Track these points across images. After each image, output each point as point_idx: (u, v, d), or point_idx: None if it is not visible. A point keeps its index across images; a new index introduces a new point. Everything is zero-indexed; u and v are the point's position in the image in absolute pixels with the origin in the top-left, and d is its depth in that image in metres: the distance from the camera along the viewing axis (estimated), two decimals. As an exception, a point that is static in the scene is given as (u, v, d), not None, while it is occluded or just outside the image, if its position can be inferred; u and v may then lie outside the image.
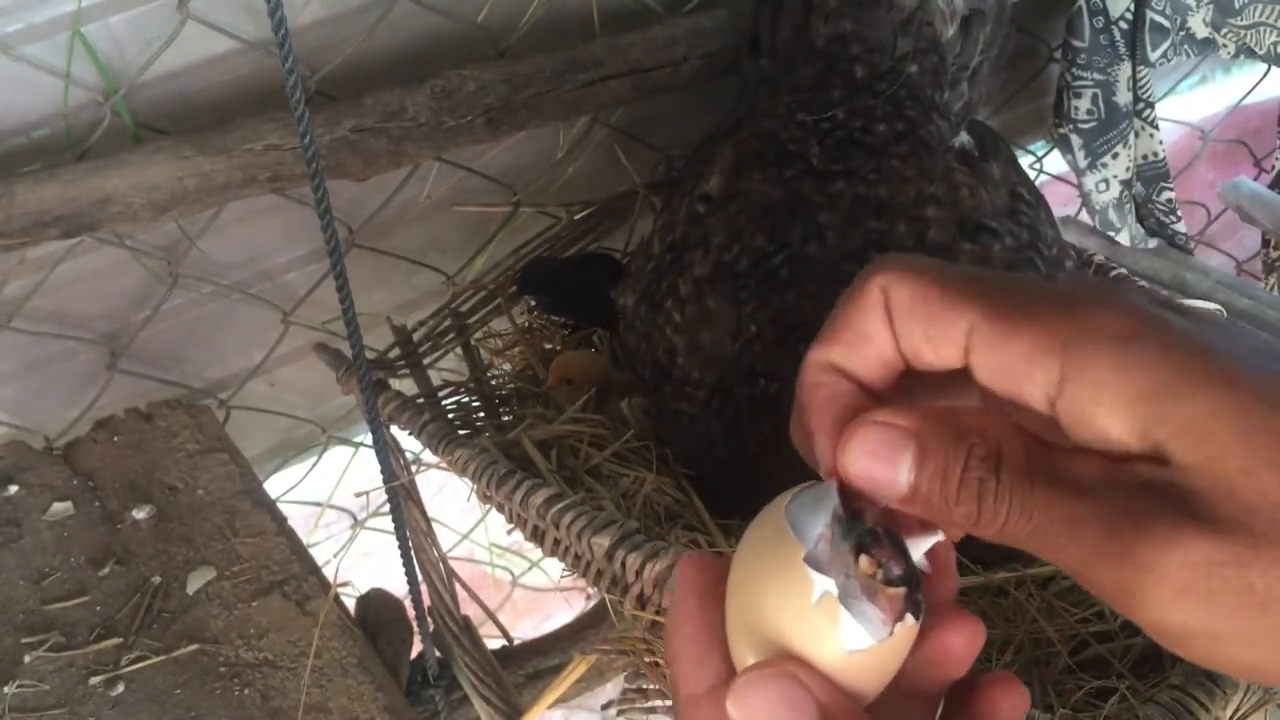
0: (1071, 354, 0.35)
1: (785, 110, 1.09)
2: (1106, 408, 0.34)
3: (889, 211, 0.99)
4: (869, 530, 0.37)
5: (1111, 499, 0.34)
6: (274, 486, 1.31)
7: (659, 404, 1.04)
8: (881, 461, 0.36)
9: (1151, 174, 1.53)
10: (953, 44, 1.16)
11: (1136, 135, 1.49)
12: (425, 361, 1.16)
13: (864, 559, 0.36)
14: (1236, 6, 1.43)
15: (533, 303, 1.25)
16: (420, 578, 1.09)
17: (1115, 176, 1.50)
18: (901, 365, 0.39)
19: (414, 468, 1.06)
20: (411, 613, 1.12)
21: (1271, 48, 1.44)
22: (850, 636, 0.36)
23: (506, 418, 1.13)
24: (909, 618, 0.36)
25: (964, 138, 1.10)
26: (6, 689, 0.94)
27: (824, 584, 0.36)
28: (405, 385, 1.13)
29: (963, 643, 0.40)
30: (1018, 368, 0.36)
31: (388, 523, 1.09)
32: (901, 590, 0.36)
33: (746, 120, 1.13)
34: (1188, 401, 0.33)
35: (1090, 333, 0.35)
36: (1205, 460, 0.33)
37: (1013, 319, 0.36)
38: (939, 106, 1.11)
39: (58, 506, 1.09)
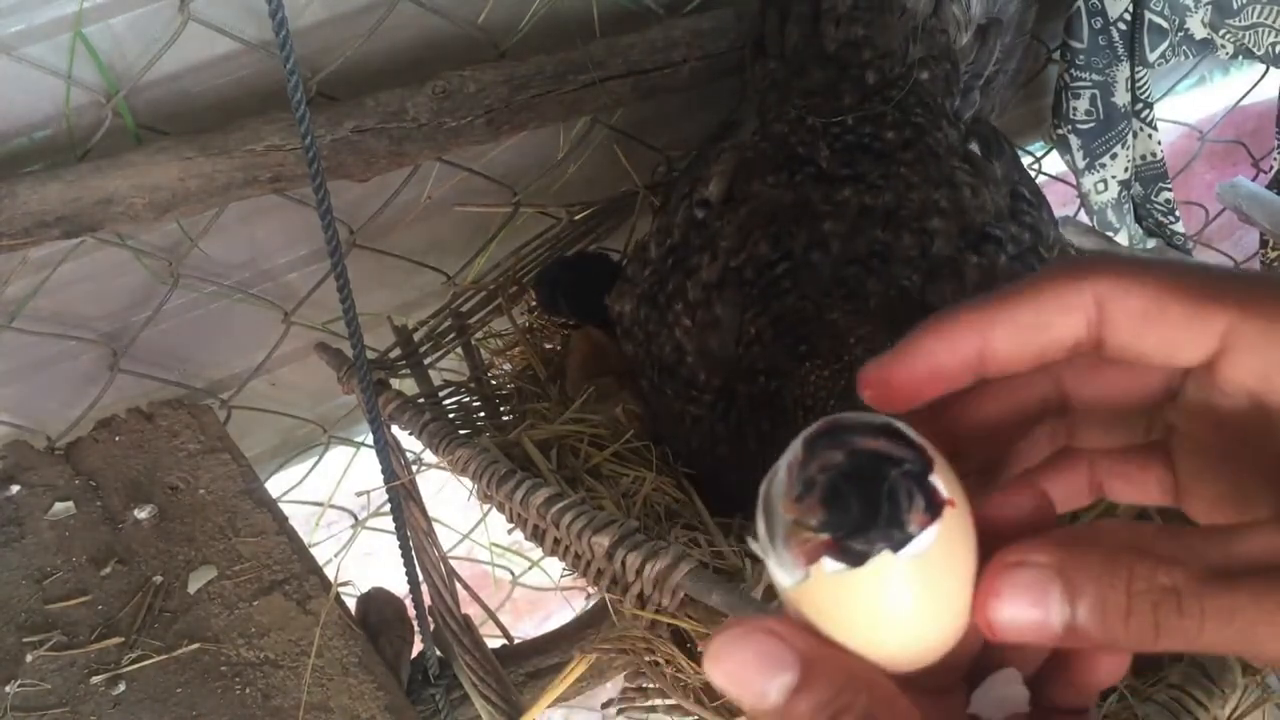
0: None
1: (795, 114, 1.09)
2: None
3: (894, 223, 1.00)
4: (826, 477, 0.35)
5: None
6: (275, 486, 1.32)
7: (662, 403, 1.04)
8: (1027, 607, 0.34)
9: (1150, 174, 1.53)
10: (966, 52, 1.16)
11: (1135, 136, 1.50)
12: (426, 361, 1.16)
13: (783, 505, 0.35)
14: (1235, 7, 1.44)
15: (535, 306, 1.25)
16: (421, 577, 1.09)
17: (1114, 177, 1.50)
18: (1037, 362, 0.38)
19: (415, 467, 1.07)
20: (412, 612, 1.12)
21: (1270, 48, 1.44)
22: (777, 575, 0.36)
23: (507, 418, 1.13)
24: (828, 564, 0.34)
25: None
26: (8, 688, 0.94)
27: (760, 526, 0.36)
28: (406, 385, 1.13)
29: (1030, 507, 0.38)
30: None
31: (388, 522, 1.09)
32: (816, 536, 0.34)
33: (745, 123, 1.13)
34: None
35: None
36: None
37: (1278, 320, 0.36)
38: (948, 114, 1.11)
39: (59, 506, 1.09)
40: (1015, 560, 0.35)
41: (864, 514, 0.34)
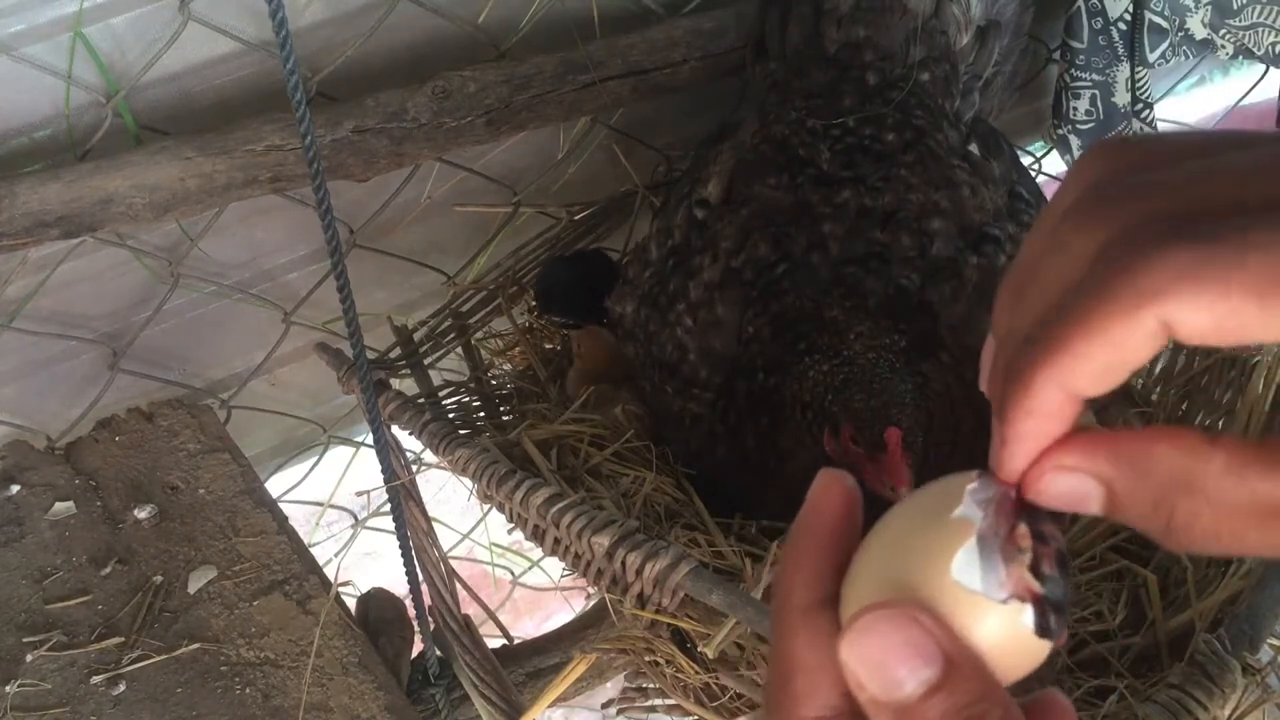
0: None
1: (796, 116, 1.09)
2: None
3: (893, 224, 1.00)
4: (1056, 546, 0.35)
5: None
6: (275, 486, 1.32)
7: (663, 402, 1.04)
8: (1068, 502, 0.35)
9: (1150, 175, 1.53)
10: (966, 53, 1.16)
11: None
12: (426, 361, 1.16)
13: (1024, 528, 0.35)
14: (1235, 7, 1.44)
15: (557, 320, 1.25)
16: (421, 577, 1.09)
17: (1114, 177, 1.50)
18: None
19: (415, 467, 1.07)
20: (412, 612, 1.12)
21: (1270, 48, 1.44)
22: (963, 569, 0.34)
23: (507, 418, 1.13)
24: (1028, 615, 0.34)
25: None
26: (8, 688, 0.94)
27: (970, 511, 0.35)
28: (406, 385, 1.14)
29: None
30: None
31: (389, 522, 1.10)
32: (1038, 584, 0.35)
33: (745, 123, 1.13)
34: None
35: None
36: None
37: None
38: (949, 115, 1.11)
39: (60, 506, 1.09)
40: (1069, 465, 0.35)
41: (1065, 602, 0.36)
